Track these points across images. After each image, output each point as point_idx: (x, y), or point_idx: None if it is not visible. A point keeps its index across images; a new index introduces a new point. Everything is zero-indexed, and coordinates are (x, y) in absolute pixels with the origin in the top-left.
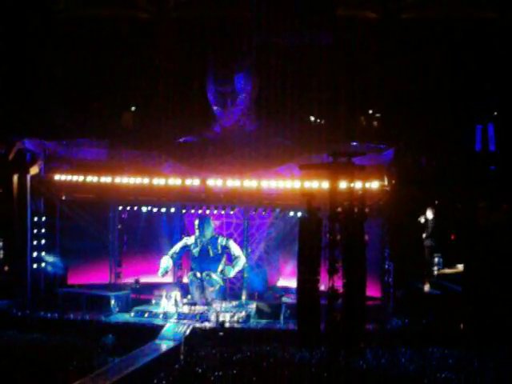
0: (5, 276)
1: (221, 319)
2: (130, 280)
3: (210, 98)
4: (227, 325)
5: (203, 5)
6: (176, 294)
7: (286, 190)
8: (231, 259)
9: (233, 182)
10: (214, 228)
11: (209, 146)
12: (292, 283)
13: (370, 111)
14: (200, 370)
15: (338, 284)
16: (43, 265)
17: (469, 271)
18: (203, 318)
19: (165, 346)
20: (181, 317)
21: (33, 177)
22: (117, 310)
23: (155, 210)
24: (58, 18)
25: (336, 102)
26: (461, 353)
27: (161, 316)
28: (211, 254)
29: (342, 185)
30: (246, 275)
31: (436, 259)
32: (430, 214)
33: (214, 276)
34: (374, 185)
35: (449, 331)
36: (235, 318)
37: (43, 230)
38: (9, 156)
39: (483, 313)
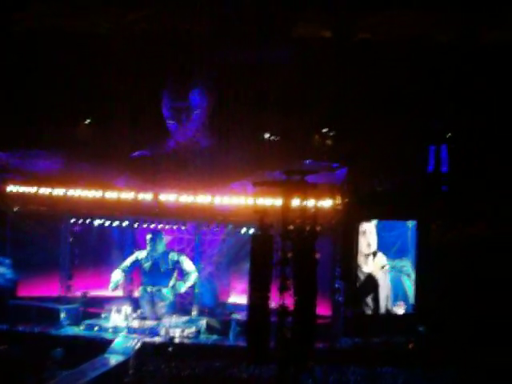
0: None
1: (171, 334)
2: (81, 293)
3: (165, 112)
4: (177, 340)
5: (160, 20)
6: (126, 308)
7: (239, 207)
8: (182, 274)
9: (186, 198)
10: (166, 243)
11: (163, 160)
12: (243, 300)
13: (324, 130)
14: None
15: (289, 302)
16: None
17: (421, 290)
18: (153, 332)
19: (114, 360)
20: (131, 331)
21: None
22: (67, 323)
23: (107, 223)
24: (14, 29)
25: (290, 119)
26: (410, 372)
27: (111, 330)
28: (162, 268)
29: (295, 202)
30: (196, 291)
31: None
32: None
33: (165, 291)
34: (327, 203)
35: (399, 350)
36: (185, 334)
37: None
38: None
39: (434, 332)
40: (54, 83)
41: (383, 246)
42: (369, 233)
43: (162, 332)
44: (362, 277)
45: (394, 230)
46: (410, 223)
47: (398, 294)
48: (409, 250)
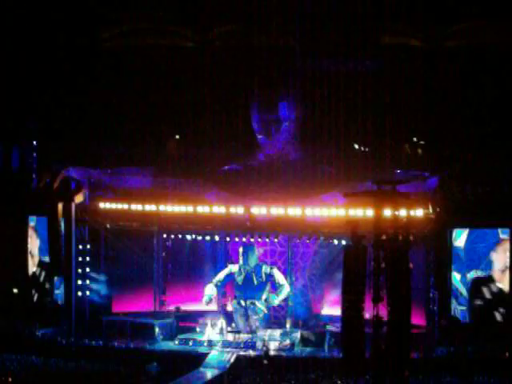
0: (51, 303)
1: (265, 347)
2: (175, 308)
3: (255, 125)
4: (272, 353)
5: (246, 33)
6: (220, 321)
7: (330, 218)
8: (275, 287)
9: (277, 210)
10: (258, 256)
11: (253, 173)
12: (336, 311)
13: (415, 139)
14: None
15: (383, 312)
16: (88, 293)
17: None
18: (248, 346)
19: (209, 373)
20: (225, 345)
21: (78, 205)
22: (161, 337)
23: (199, 237)
24: (103, 48)
25: (380, 129)
26: (507, 380)
27: (205, 344)
28: (255, 282)
29: (387, 212)
30: (290, 303)
31: None
32: None
33: (259, 304)
34: (419, 212)
35: (494, 359)
36: (280, 346)
37: (88, 258)
38: (53, 185)
39: None
40: (144, 100)
41: (475, 258)
42: (505, 250)
43: (257, 345)
44: (489, 295)
45: (484, 242)
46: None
47: None
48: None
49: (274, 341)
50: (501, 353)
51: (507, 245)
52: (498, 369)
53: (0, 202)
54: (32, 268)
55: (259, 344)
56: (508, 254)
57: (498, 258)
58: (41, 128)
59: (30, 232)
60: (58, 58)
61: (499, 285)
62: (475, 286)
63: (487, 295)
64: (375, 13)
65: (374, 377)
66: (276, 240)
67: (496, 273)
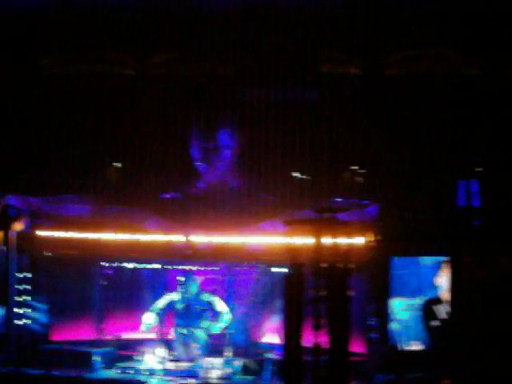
0: None
1: (206, 375)
2: (114, 336)
3: (194, 153)
4: (212, 381)
5: (187, 62)
6: (160, 350)
7: (270, 246)
8: (216, 315)
9: (217, 238)
10: (199, 284)
11: (193, 201)
12: (276, 339)
13: (354, 167)
14: None
15: (323, 340)
16: (28, 321)
17: (453, 326)
18: (188, 374)
19: None
20: (166, 373)
21: (18, 233)
22: (101, 366)
23: (139, 265)
24: (42, 75)
25: (320, 157)
26: None
27: (146, 372)
28: (196, 310)
29: (327, 240)
30: (230, 331)
31: None
32: None
33: (199, 332)
34: (359, 240)
35: None
36: (220, 375)
37: (28, 286)
38: None
39: (470, 368)
40: (82, 128)
41: (400, 285)
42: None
43: (197, 373)
44: (445, 315)
45: (407, 269)
46: (423, 261)
47: (416, 331)
48: (423, 288)
49: (214, 369)
50: (441, 379)
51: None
52: None
53: None
54: None
55: (199, 372)
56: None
57: (443, 281)
58: None
59: None
60: None
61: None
62: (427, 308)
63: (442, 315)
64: (313, 41)
65: None
66: (216, 268)
67: (443, 294)
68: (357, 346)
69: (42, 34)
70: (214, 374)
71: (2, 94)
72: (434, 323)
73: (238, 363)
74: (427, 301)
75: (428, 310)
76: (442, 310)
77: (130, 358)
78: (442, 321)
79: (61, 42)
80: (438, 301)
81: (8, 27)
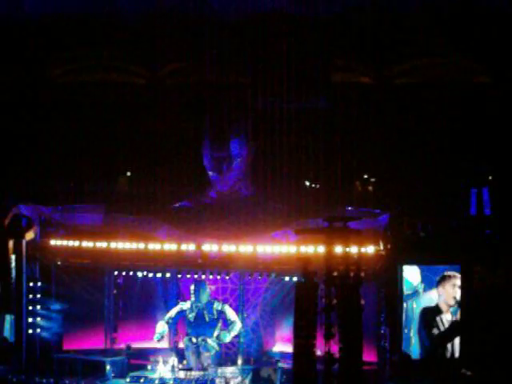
0: (1, 341)
1: None
2: (126, 345)
3: (206, 163)
4: None
5: (198, 71)
6: (172, 359)
7: (281, 255)
8: (227, 324)
9: (228, 247)
10: (210, 293)
11: (204, 211)
12: (288, 348)
13: (366, 176)
14: None
15: (335, 349)
16: (38, 330)
17: (465, 335)
18: (200, 383)
19: None
20: (177, 382)
21: (28, 242)
22: (112, 375)
23: (151, 274)
24: (54, 84)
25: (331, 166)
26: None
27: (157, 381)
28: (207, 319)
29: (338, 249)
30: (241, 340)
31: None
32: None
33: (210, 341)
34: (370, 249)
35: None
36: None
37: (38, 296)
38: (4, 221)
39: (483, 378)
40: (95, 137)
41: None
42: (454, 285)
43: (208, 383)
44: (446, 324)
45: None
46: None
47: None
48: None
49: (225, 378)
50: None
51: (455, 280)
52: None
53: None
54: None
55: (210, 381)
56: (456, 289)
57: (445, 292)
58: None
59: None
60: (7, 94)
61: (447, 316)
62: (425, 316)
63: (442, 324)
64: (325, 51)
65: None
66: (227, 277)
67: (442, 305)
68: (369, 355)
69: (55, 45)
70: (225, 383)
71: (15, 105)
72: (436, 332)
73: (250, 372)
74: (426, 310)
75: (429, 319)
76: (444, 320)
77: (141, 367)
78: (445, 330)
79: (73, 53)
80: (437, 310)
81: (20, 38)
